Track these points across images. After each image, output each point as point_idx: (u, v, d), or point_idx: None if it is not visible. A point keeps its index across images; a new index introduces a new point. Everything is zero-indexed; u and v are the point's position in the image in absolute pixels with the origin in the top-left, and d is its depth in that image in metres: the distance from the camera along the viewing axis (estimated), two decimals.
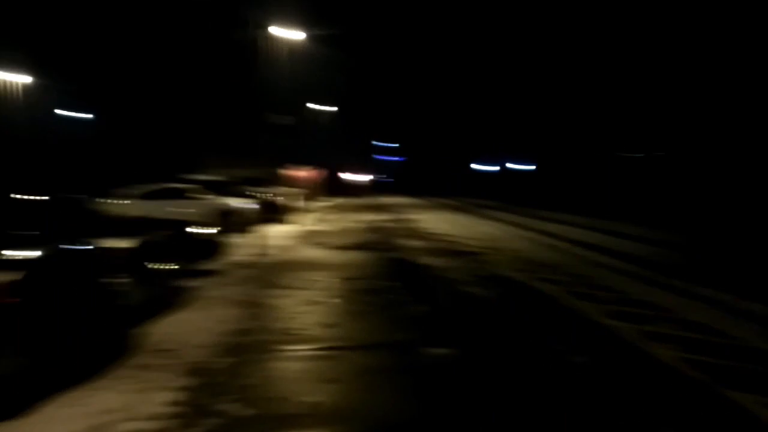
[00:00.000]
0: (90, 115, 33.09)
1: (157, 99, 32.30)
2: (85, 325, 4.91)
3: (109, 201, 14.63)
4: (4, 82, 24.98)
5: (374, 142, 67.76)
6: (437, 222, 20.73)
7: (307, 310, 7.01)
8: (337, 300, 7.60)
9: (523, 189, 39.42)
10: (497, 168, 55.63)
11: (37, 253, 4.85)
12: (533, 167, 48.10)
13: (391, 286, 8.64)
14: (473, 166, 61.37)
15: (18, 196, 9.12)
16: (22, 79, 25.51)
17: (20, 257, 4.70)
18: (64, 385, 4.45)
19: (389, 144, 72.40)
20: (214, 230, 10.41)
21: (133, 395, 4.31)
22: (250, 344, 5.63)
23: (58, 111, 31.56)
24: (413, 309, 7.18)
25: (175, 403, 4.16)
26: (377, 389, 4.52)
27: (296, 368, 5.00)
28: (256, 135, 29.08)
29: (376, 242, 14.49)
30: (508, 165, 52.14)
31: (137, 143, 31.29)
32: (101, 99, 32.03)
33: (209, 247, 9.81)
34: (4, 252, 4.64)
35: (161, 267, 7.27)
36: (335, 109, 45.77)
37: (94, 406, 4.11)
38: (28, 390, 4.26)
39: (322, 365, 5.05)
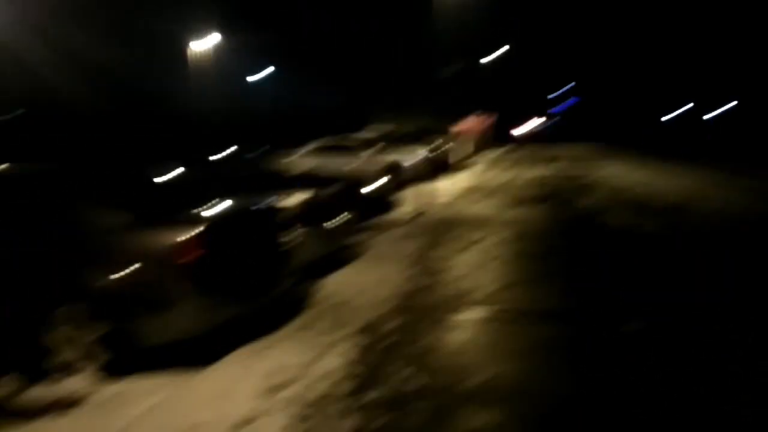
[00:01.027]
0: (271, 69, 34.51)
1: (326, 51, 32.95)
2: (261, 281, 5.01)
3: (282, 158, 15.27)
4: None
5: (548, 86, 63.13)
6: (625, 174, 18.90)
7: (478, 270, 6.63)
8: (509, 260, 7.12)
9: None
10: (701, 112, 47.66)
11: (217, 210, 5.00)
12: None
13: (572, 246, 7.95)
14: (667, 112, 52.64)
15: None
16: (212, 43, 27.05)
17: (203, 214, 4.87)
18: (245, 338, 4.56)
19: (564, 87, 67.44)
20: (381, 185, 10.37)
21: (306, 353, 4.29)
22: (420, 304, 5.42)
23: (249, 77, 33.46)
24: (598, 274, 6.49)
25: (348, 363, 4.07)
26: (561, 364, 4.05)
27: (469, 334, 4.69)
28: (423, 85, 28.75)
29: (551, 196, 13.56)
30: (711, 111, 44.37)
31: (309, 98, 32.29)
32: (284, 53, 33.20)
33: (377, 202, 9.79)
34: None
35: (330, 223, 7.30)
36: (506, 49, 43.38)
37: (270, 362, 4.15)
38: (216, 341, 4.40)
39: (497, 332, 4.69)
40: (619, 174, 19.07)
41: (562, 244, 8.07)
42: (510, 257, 7.23)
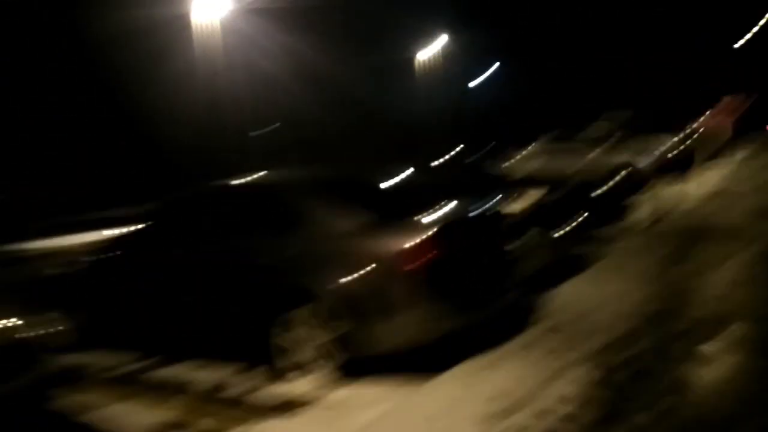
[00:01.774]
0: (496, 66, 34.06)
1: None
2: (487, 290, 4.81)
3: (507, 158, 14.95)
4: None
5: None
6: None
7: (727, 294, 5.62)
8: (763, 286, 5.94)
9: None
10: None
11: (443, 215, 4.92)
12: None
13: None
14: None
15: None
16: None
17: (430, 219, 4.84)
18: (468, 351, 4.40)
19: None
20: (613, 187, 9.54)
21: (533, 376, 3.97)
22: (658, 333, 4.72)
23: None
24: None
25: (565, 400, 3.62)
26: None
27: (714, 376, 3.92)
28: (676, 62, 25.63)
29: None
30: None
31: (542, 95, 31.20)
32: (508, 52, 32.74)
33: (609, 207, 9.01)
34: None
35: (558, 230, 6.84)
36: None
37: (494, 382, 3.91)
38: (440, 352, 4.31)
39: (748, 376, 3.85)
40: None
41: None
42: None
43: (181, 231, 5.33)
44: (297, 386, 4.35)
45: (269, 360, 4.53)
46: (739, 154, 25.58)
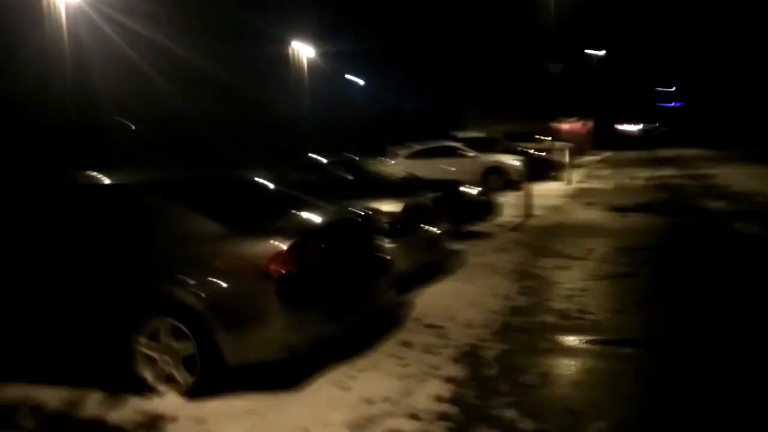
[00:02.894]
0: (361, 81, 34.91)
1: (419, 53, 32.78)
2: (358, 294, 4.69)
3: (381, 162, 15.08)
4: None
5: (652, 88, 59.86)
6: (741, 178, 17.31)
7: (585, 287, 5.99)
8: (621, 276, 6.40)
9: None
10: None
11: (313, 218, 4.74)
12: None
13: (692, 261, 7.09)
14: None
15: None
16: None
17: (300, 222, 4.65)
18: (336, 359, 4.26)
19: (665, 89, 63.86)
20: (479, 190, 9.89)
21: (395, 383, 3.89)
22: (522, 327, 4.89)
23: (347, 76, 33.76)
24: (730, 296, 5.67)
25: (440, 399, 3.62)
26: (696, 414, 3.41)
27: (580, 368, 4.10)
28: (520, 86, 27.94)
29: (662, 203, 12.52)
30: None
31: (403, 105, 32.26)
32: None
33: (478, 208, 9.31)
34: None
35: (431, 229, 6.92)
36: (603, 53, 41.93)
37: (355, 392, 3.78)
38: (307, 361, 4.14)
39: (613, 367, 4.06)
40: (731, 176, 17.45)
41: (687, 257, 7.22)
42: (625, 272, 6.51)
43: (22, 227, 4.72)
44: (163, 401, 3.99)
45: (131, 373, 4.12)
46: (591, 161, 28.09)
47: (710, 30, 47.78)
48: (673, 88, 61.80)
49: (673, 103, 63.28)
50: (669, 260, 7.15)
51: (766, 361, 4.03)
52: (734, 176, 18.01)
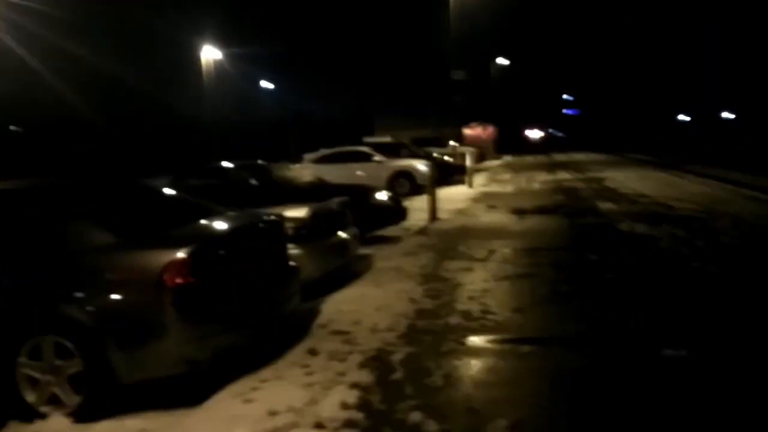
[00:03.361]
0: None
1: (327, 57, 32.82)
2: (263, 302, 4.56)
3: (289, 167, 14.86)
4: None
5: (555, 95, 63.06)
6: (628, 180, 18.56)
7: (488, 288, 6.17)
8: (521, 277, 6.64)
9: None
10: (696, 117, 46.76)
11: (216, 223, 4.56)
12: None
13: (587, 259, 7.47)
14: (680, 116, 51.28)
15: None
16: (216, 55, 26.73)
17: (201, 228, 4.48)
18: (240, 370, 4.12)
19: (564, 97, 67.63)
20: (388, 194, 9.97)
21: (300, 392, 3.81)
22: (428, 329, 4.95)
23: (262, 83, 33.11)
24: (620, 291, 6.02)
25: (346, 406, 3.58)
26: (594, 407, 3.57)
27: (482, 367, 4.20)
28: (427, 92, 28.48)
29: (559, 205, 13.16)
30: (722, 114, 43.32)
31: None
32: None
33: (386, 213, 9.36)
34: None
35: (340, 234, 6.88)
36: (507, 62, 43.68)
37: (259, 404, 3.67)
38: (209, 374, 3.98)
39: (514, 365, 4.18)
40: (619, 179, 18.72)
41: (581, 256, 7.61)
42: (525, 272, 6.76)
43: None
44: (49, 424, 3.70)
45: (16, 394, 3.79)
46: (495, 166, 29.12)
47: (607, 40, 51.20)
48: (572, 98, 65.52)
49: (570, 110, 67.04)
50: (565, 260, 7.49)
51: (653, 352, 4.30)
52: (622, 179, 19.29)
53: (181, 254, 3.79)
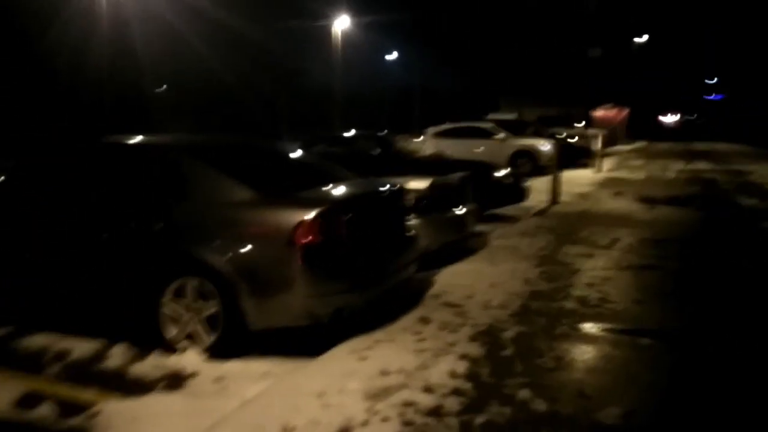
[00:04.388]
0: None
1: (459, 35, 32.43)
2: (382, 267, 4.75)
3: (412, 139, 15.02)
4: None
5: (696, 78, 57.87)
6: None
7: (608, 277, 5.96)
8: (645, 268, 6.34)
9: None
10: None
11: (343, 190, 4.78)
12: None
13: (719, 256, 6.99)
14: None
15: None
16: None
17: (329, 193, 4.69)
18: (357, 329, 4.33)
19: (708, 80, 62.04)
20: (514, 171, 9.86)
21: (411, 356, 3.95)
22: (541, 311, 4.90)
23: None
24: (753, 294, 5.60)
25: (454, 375, 3.67)
26: (707, 405, 3.41)
27: (596, 354, 4.11)
28: (558, 70, 27.44)
29: (693, 196, 12.30)
30: None
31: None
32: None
33: (509, 189, 9.28)
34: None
35: (458, 209, 6.94)
36: (645, 39, 40.76)
37: (372, 363, 3.85)
38: (329, 330, 4.23)
39: (630, 356, 4.05)
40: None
41: (714, 252, 7.13)
42: (650, 263, 6.45)
43: (60, 186, 4.88)
44: (184, 358, 4.13)
45: (156, 330, 4.27)
46: (626, 150, 27.57)
47: (758, 21, 46.14)
48: (715, 80, 59.92)
49: (713, 95, 61.48)
50: (694, 254, 7.06)
51: None
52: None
53: (311, 215, 4.03)
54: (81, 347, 4.41)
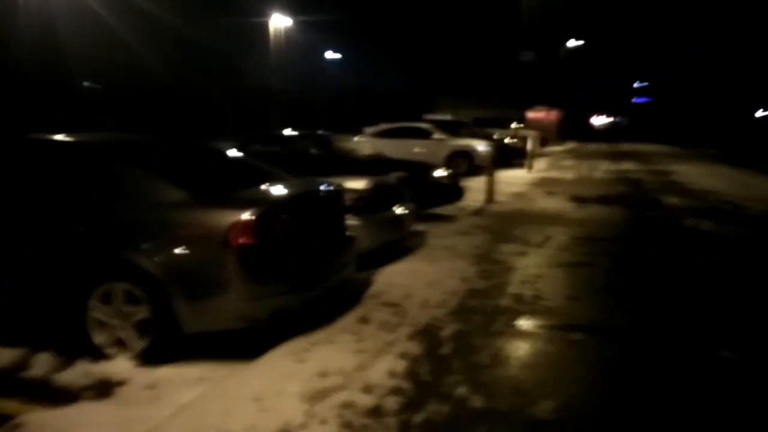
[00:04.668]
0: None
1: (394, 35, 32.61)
2: (320, 268, 4.70)
3: (349, 139, 14.98)
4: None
5: (626, 82, 60.35)
6: (697, 176, 17.89)
7: (542, 274, 6.14)
8: (576, 265, 6.57)
9: None
10: None
11: (279, 190, 4.71)
12: None
13: (646, 253, 7.31)
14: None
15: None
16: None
17: (265, 193, 4.61)
18: (294, 331, 4.27)
19: (635, 85, 64.95)
20: (451, 171, 9.99)
21: (350, 357, 3.94)
22: (477, 308, 4.99)
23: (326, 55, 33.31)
24: (678, 288, 5.88)
25: (393, 374, 3.68)
26: (639, 398, 3.56)
27: (531, 350, 4.22)
28: (493, 72, 28.03)
29: (621, 195, 12.84)
30: None
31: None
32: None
33: (447, 189, 9.39)
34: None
35: (396, 209, 6.97)
36: (579, 43, 42.18)
37: (311, 364, 3.82)
38: (265, 332, 4.16)
39: (563, 351, 4.18)
40: (688, 173, 18.01)
41: (641, 249, 7.45)
42: (581, 261, 6.68)
43: None
44: (114, 365, 3.97)
45: (84, 336, 4.07)
46: (559, 151, 28.47)
47: (687, 29, 48.47)
48: (645, 84, 62.66)
49: (640, 99, 64.35)
50: (623, 252, 7.35)
51: (709, 350, 4.21)
52: (691, 173, 18.59)
53: (246, 215, 3.95)
54: (1, 356, 4.17)
